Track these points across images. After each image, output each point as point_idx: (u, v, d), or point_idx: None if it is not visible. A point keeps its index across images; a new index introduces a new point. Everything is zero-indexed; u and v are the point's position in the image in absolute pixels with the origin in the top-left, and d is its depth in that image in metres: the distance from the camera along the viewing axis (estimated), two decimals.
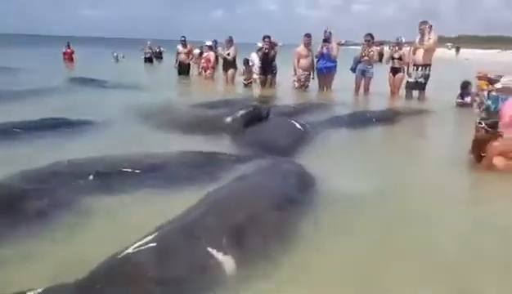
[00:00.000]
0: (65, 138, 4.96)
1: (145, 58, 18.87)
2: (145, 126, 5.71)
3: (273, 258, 2.28)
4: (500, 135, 4.13)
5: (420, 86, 8.84)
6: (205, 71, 12.72)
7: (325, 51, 9.89)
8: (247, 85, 11.14)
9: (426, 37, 8.56)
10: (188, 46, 13.55)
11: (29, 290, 1.86)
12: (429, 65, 8.75)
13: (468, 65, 19.51)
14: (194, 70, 13.82)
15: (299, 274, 2.24)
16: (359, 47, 10.26)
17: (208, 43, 12.73)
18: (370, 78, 9.76)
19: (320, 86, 10.27)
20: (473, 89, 7.77)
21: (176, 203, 2.64)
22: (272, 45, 10.64)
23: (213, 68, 12.71)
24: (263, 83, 10.73)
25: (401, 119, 6.85)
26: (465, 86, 7.96)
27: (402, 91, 9.26)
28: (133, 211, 2.99)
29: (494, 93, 6.46)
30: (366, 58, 9.64)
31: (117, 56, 21.64)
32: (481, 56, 32.07)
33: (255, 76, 11.23)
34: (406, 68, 9.15)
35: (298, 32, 11.27)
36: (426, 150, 5.44)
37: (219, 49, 12.39)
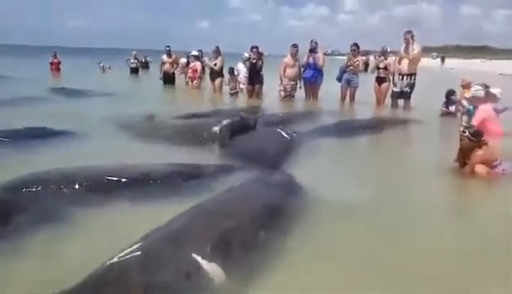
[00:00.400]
0: (49, 147, 4.93)
1: (131, 68, 18.70)
2: (130, 136, 5.63)
3: (258, 269, 2.27)
4: (485, 144, 4.22)
5: (406, 95, 8.90)
6: (192, 81, 12.67)
7: (311, 60, 9.94)
8: (233, 94, 11.15)
9: (411, 48, 8.63)
10: (173, 56, 13.49)
11: None
12: (414, 75, 8.82)
13: (453, 75, 19.83)
14: (180, 80, 13.76)
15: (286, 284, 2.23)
16: (345, 57, 10.33)
17: (195, 53, 12.71)
18: (355, 88, 9.83)
19: (306, 96, 10.30)
20: (458, 97, 7.85)
21: (161, 214, 2.59)
22: (259, 55, 10.66)
23: (200, 78, 12.68)
24: (250, 93, 10.73)
25: (387, 128, 6.89)
26: (450, 95, 8.04)
27: (388, 101, 9.33)
28: (117, 222, 2.94)
29: None
30: (351, 68, 9.69)
31: (103, 67, 21.48)
32: (465, 66, 32.65)
33: (242, 86, 11.23)
34: (391, 77, 9.21)
35: (284, 42, 11.32)
36: (411, 159, 5.46)
37: (206, 59, 12.40)
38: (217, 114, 6.93)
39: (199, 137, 5.29)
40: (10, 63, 25.40)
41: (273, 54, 13.84)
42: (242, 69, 11.27)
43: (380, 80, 9.42)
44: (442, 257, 2.58)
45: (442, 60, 43.93)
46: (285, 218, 2.88)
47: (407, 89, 8.84)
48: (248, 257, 2.30)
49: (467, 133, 4.19)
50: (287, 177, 3.75)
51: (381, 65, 9.35)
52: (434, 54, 57.65)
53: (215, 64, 11.63)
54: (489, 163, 4.18)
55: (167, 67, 13.32)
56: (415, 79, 8.83)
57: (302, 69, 10.17)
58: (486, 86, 7.18)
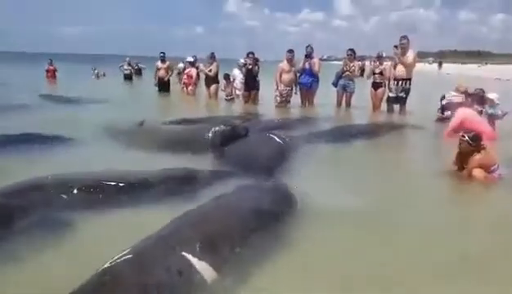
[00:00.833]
0: (40, 154, 4.95)
1: (125, 75, 18.60)
2: (122, 143, 5.58)
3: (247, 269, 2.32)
4: (484, 148, 4.26)
5: (401, 100, 8.85)
6: (187, 87, 12.60)
7: (307, 66, 9.90)
8: (229, 100, 11.09)
9: (406, 54, 8.62)
10: (167, 62, 13.40)
11: None
12: (410, 80, 8.77)
13: (449, 79, 19.90)
14: (176, 86, 13.70)
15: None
16: (341, 62, 10.29)
17: (190, 59, 12.65)
18: (351, 93, 9.78)
19: (302, 102, 10.25)
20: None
21: (155, 220, 2.58)
22: (256, 61, 10.63)
23: (195, 84, 12.62)
24: (246, 99, 10.69)
25: (382, 134, 6.85)
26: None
27: (384, 106, 9.27)
28: (111, 228, 2.96)
29: None
30: (347, 73, 9.65)
31: (97, 73, 21.41)
32: (462, 71, 32.78)
33: (238, 92, 11.20)
34: (387, 82, 9.17)
35: (279, 48, 11.33)
36: (407, 164, 5.47)
37: (201, 65, 12.36)
38: (211, 120, 6.87)
39: (192, 143, 5.21)
40: (5, 70, 25.35)
41: (269, 59, 13.82)
42: (238, 75, 11.22)
43: (376, 85, 9.38)
44: (440, 261, 2.58)
45: (440, 64, 44.07)
46: (276, 223, 2.88)
47: (402, 94, 8.79)
48: (236, 257, 2.33)
49: (466, 137, 4.24)
50: (278, 183, 3.77)
51: (377, 71, 9.31)
52: (431, 59, 57.92)
53: (210, 70, 11.60)
54: (487, 168, 4.23)
55: (162, 73, 13.22)
56: (410, 84, 8.79)
57: (298, 75, 10.13)
58: (482, 91, 7.17)
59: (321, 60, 10.61)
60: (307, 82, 10.00)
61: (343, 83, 9.73)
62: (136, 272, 1.98)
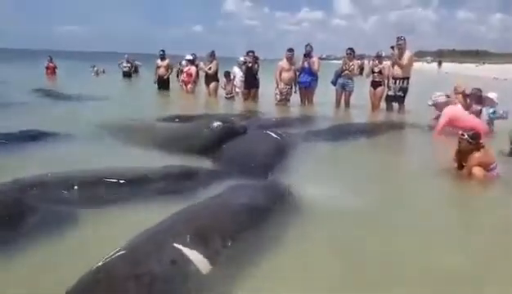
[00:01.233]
0: (43, 150, 4.96)
1: (124, 72, 18.55)
2: (122, 140, 5.56)
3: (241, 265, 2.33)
4: (483, 147, 4.30)
5: (400, 99, 8.92)
6: (186, 85, 12.64)
7: (306, 65, 9.91)
8: (229, 98, 11.10)
9: (403, 54, 8.67)
10: (166, 60, 13.38)
11: None
12: (407, 79, 8.82)
13: (447, 78, 19.94)
14: (175, 84, 13.70)
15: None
16: (340, 61, 10.31)
17: (189, 57, 12.65)
18: (350, 92, 9.80)
19: (301, 100, 10.27)
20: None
21: (153, 216, 2.59)
22: (255, 59, 10.65)
23: (195, 82, 12.63)
24: (246, 97, 10.71)
25: (381, 132, 6.89)
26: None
27: (383, 104, 9.32)
28: (114, 224, 2.97)
29: None
30: (346, 72, 9.68)
31: (97, 70, 21.35)
32: (460, 70, 32.79)
33: (237, 90, 11.20)
34: (386, 81, 9.21)
35: (278, 47, 11.36)
36: (405, 162, 5.51)
37: (201, 63, 12.37)
38: (209, 118, 6.86)
39: (190, 140, 5.20)
40: (5, 67, 25.26)
41: (268, 58, 13.83)
42: (238, 73, 11.24)
43: (375, 84, 9.41)
44: (440, 260, 2.58)
45: (439, 63, 44.06)
46: (271, 221, 2.88)
47: (400, 93, 8.86)
48: (228, 249, 2.33)
49: (466, 136, 4.27)
50: (275, 181, 3.79)
51: (376, 69, 9.35)
52: (429, 58, 57.94)
53: (209, 68, 11.62)
54: (486, 166, 4.26)
55: (161, 71, 13.22)
56: (407, 83, 8.84)
57: (297, 74, 10.15)
58: (480, 91, 7.23)
59: (320, 58, 10.62)
60: (306, 81, 10.01)
61: (343, 82, 9.75)
62: (130, 265, 1.99)
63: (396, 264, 2.54)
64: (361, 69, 9.91)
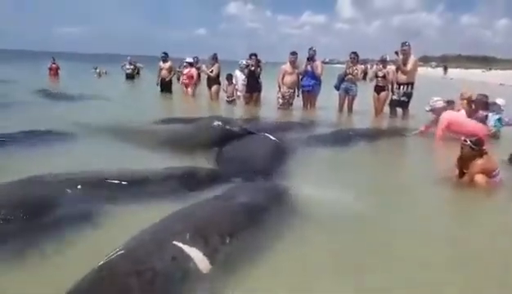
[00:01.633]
0: (46, 151, 4.99)
1: (127, 74, 18.60)
2: (123, 141, 5.56)
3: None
4: (485, 153, 4.18)
5: (403, 104, 8.78)
6: (186, 87, 12.54)
7: (309, 69, 9.83)
8: (230, 102, 10.98)
9: (408, 60, 8.56)
10: (169, 62, 13.30)
11: None
12: (412, 84, 8.70)
13: (452, 84, 19.85)
14: (178, 86, 13.65)
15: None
16: (343, 65, 10.20)
17: (189, 60, 12.60)
18: (353, 97, 9.68)
19: (304, 104, 10.16)
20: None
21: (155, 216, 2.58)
22: (258, 62, 10.56)
23: (195, 84, 12.56)
24: (248, 100, 10.61)
25: (384, 137, 6.81)
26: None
27: (386, 109, 9.19)
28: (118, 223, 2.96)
29: None
30: (349, 76, 9.56)
31: (99, 72, 21.40)
32: (466, 76, 32.59)
33: (239, 93, 11.11)
34: (390, 86, 9.08)
35: (280, 50, 11.31)
36: (407, 169, 5.45)
37: (203, 66, 12.32)
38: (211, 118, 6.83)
39: (189, 143, 5.21)
40: (8, 67, 25.43)
41: (270, 61, 13.77)
42: (239, 77, 11.16)
43: (379, 89, 9.28)
44: (441, 269, 2.54)
45: (445, 69, 43.71)
46: (270, 220, 2.88)
47: (404, 98, 8.72)
48: (227, 247, 2.35)
49: (469, 142, 4.15)
50: (274, 182, 3.82)
51: (380, 74, 9.22)
52: (433, 63, 57.73)
53: (211, 71, 11.57)
54: (489, 173, 4.14)
55: (164, 73, 13.15)
56: (412, 88, 8.71)
57: (300, 77, 10.04)
58: (486, 97, 7.10)
59: (322, 62, 10.52)
60: (308, 85, 9.93)
61: (346, 86, 9.63)
62: (132, 263, 2.01)
63: (395, 268, 2.51)
64: (365, 73, 9.79)
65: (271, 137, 5.24)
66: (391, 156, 6.13)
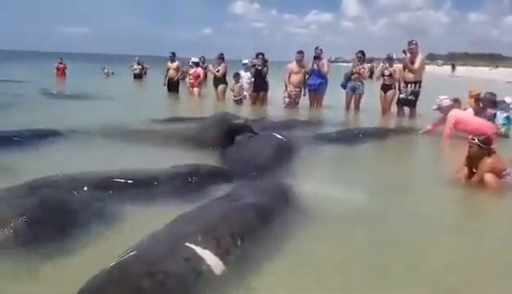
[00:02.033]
0: (54, 150, 5.04)
1: (135, 74, 18.74)
2: (128, 140, 5.56)
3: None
4: (494, 152, 4.09)
5: (411, 103, 8.72)
6: (192, 87, 12.59)
7: (315, 67, 9.82)
8: (237, 101, 10.98)
9: (415, 58, 8.51)
10: (176, 62, 13.35)
11: None
12: (419, 82, 8.63)
13: (459, 82, 19.72)
14: (185, 87, 13.70)
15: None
16: (349, 64, 10.18)
17: (195, 60, 12.63)
18: (360, 95, 9.66)
19: (310, 103, 10.16)
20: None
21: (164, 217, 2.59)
22: (264, 62, 10.57)
23: (200, 84, 12.61)
24: (254, 100, 10.61)
25: (391, 136, 6.79)
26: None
27: (394, 108, 9.14)
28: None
29: None
30: (356, 75, 9.54)
31: (107, 72, 21.52)
32: (474, 74, 32.32)
33: (245, 93, 11.12)
34: (397, 84, 9.04)
35: (286, 49, 11.30)
36: (414, 169, 5.38)
37: (209, 66, 12.35)
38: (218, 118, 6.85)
39: (194, 142, 5.24)
40: (17, 67, 25.62)
41: (276, 60, 13.76)
42: (244, 76, 11.15)
43: (386, 87, 9.24)
44: (445, 265, 2.52)
45: (453, 67, 43.33)
46: (277, 220, 2.87)
47: (412, 97, 8.64)
48: (238, 248, 2.34)
49: (476, 140, 4.03)
50: (280, 181, 3.79)
51: (386, 73, 9.18)
52: (440, 61, 57.33)
53: (218, 71, 11.60)
54: (498, 172, 4.01)
55: (171, 73, 13.20)
56: (419, 87, 8.65)
57: (307, 76, 10.04)
58: (494, 95, 7.07)
59: (328, 61, 10.52)
60: (315, 84, 9.93)
61: (352, 85, 9.62)
62: (143, 265, 1.99)
63: (403, 268, 2.48)
64: (371, 72, 9.76)
65: (279, 136, 5.25)
66: (398, 155, 6.12)
